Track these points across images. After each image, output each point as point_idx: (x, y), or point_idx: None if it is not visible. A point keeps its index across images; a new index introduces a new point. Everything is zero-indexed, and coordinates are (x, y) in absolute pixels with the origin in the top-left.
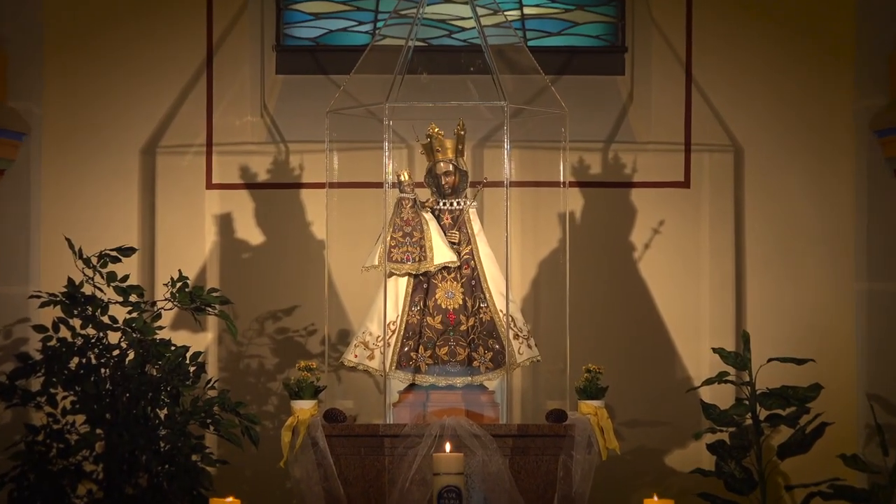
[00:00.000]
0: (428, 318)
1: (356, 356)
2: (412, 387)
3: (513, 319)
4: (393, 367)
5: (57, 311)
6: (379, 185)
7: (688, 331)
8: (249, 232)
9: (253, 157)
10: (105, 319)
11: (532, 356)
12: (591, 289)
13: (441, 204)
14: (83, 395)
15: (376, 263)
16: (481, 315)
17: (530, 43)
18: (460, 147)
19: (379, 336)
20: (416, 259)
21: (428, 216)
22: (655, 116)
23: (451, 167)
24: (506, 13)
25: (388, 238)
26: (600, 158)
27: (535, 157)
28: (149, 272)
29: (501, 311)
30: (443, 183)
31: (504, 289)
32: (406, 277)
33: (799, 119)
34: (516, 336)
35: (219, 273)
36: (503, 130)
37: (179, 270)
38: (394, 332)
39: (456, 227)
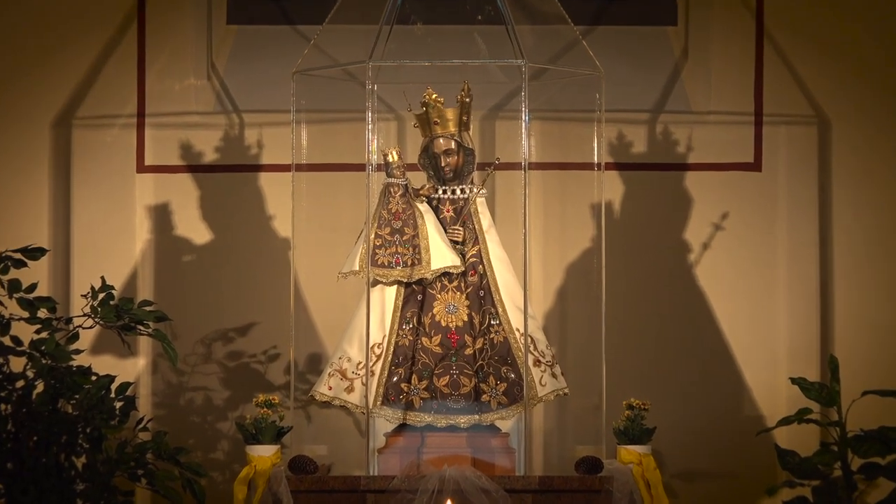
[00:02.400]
0: (423, 338)
1: (331, 388)
2: (403, 427)
3: (533, 341)
4: (378, 403)
5: None
6: (361, 167)
7: (759, 356)
8: (193, 227)
9: (198, 132)
10: (6, 341)
11: (558, 388)
12: (634, 301)
13: (440, 192)
14: None
15: (357, 268)
16: (492, 335)
17: None
18: (465, 118)
19: (360, 363)
20: (409, 263)
21: (423, 208)
22: (717, 79)
23: (452, 144)
24: None
25: (373, 236)
26: (645, 133)
27: (561, 131)
28: (63, 280)
29: (518, 329)
30: (442, 164)
31: (521, 301)
32: (395, 287)
33: None
34: (537, 362)
35: (153, 281)
36: (520, 97)
37: (102, 278)
38: (379, 357)
39: (460, 222)
